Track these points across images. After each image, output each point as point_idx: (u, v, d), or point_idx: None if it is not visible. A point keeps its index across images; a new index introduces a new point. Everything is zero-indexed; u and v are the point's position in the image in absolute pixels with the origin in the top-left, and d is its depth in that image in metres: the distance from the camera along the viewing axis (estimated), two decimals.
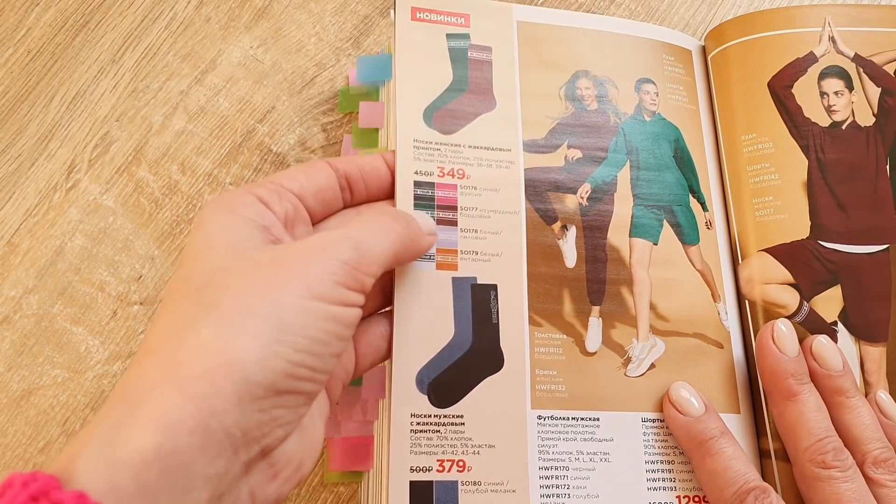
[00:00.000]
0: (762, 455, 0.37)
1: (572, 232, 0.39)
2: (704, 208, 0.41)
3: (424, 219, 0.35)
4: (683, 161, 0.41)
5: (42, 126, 0.45)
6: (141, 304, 0.41)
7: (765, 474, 0.36)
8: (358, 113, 0.43)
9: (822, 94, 0.42)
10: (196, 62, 0.46)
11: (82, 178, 0.44)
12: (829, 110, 0.41)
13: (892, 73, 0.42)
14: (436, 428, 0.34)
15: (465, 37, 0.41)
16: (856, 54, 0.43)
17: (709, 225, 0.40)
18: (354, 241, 0.29)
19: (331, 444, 0.37)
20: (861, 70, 0.42)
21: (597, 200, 0.39)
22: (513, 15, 0.42)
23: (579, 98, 0.41)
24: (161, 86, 0.46)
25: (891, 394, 0.37)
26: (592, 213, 0.39)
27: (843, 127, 0.41)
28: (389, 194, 0.36)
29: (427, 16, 0.41)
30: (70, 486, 0.22)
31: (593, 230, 0.39)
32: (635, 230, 0.39)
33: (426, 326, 0.35)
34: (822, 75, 0.42)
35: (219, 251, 0.28)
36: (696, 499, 0.35)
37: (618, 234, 0.39)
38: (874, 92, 0.42)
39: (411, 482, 0.34)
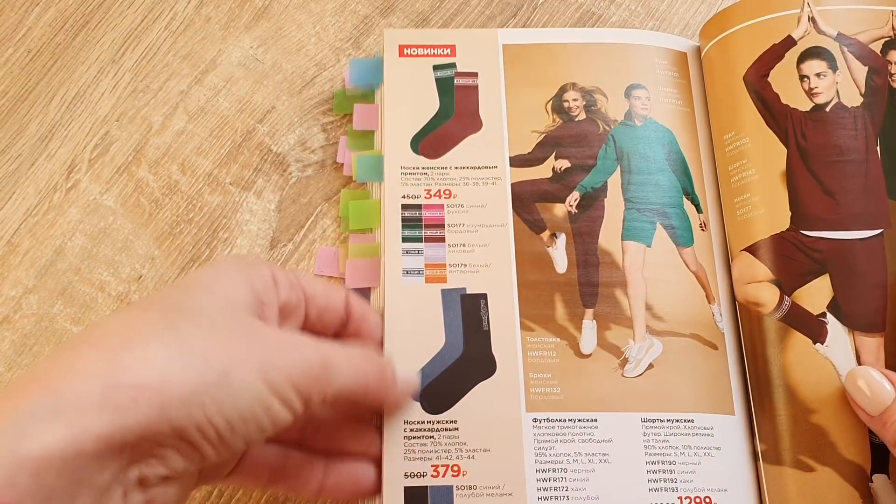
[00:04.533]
0: (755, 457, 0.37)
1: (562, 239, 0.39)
2: (699, 210, 0.41)
3: (406, 379, 0.35)
4: (677, 163, 0.41)
5: (42, 126, 0.45)
6: None
7: (756, 476, 0.37)
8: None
9: (802, 77, 0.40)
10: (196, 62, 0.46)
11: (82, 178, 0.44)
12: (810, 93, 0.40)
13: (878, 52, 0.41)
14: (429, 434, 0.35)
15: (452, 66, 0.43)
16: (839, 33, 0.41)
17: (703, 226, 0.41)
18: (325, 359, 0.29)
19: None
20: (845, 49, 0.41)
21: (587, 207, 0.40)
22: (498, 39, 0.44)
23: (566, 110, 0.42)
24: (161, 86, 0.46)
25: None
26: (582, 219, 0.40)
27: (828, 109, 0.40)
28: (375, 344, 0.37)
29: (414, 51, 0.43)
30: None
31: (584, 236, 0.40)
32: (627, 233, 0.40)
33: (416, 336, 0.37)
34: (802, 58, 0.41)
35: (211, 296, 0.29)
36: (698, 499, 0.36)
37: (609, 238, 0.40)
38: (860, 71, 0.40)
39: (406, 488, 0.34)
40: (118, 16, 0.47)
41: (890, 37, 0.41)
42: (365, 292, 0.40)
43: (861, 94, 0.40)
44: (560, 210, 0.40)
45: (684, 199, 0.41)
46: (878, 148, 0.39)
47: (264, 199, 0.44)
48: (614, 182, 0.41)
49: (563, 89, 0.43)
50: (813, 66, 0.40)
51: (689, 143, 0.42)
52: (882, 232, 0.38)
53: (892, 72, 0.40)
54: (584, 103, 0.42)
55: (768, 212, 0.39)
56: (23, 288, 0.42)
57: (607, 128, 0.42)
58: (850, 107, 0.40)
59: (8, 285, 0.42)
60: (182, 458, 0.26)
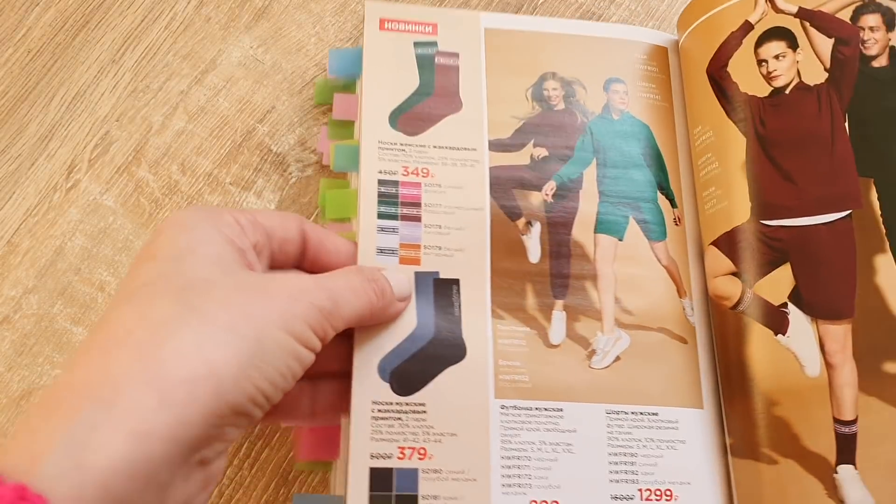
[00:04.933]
0: (724, 451, 0.38)
1: (536, 228, 0.40)
2: (673, 205, 0.41)
3: (400, 282, 0.36)
4: (653, 158, 0.42)
5: (42, 126, 0.45)
6: None
7: (725, 469, 0.37)
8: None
9: (761, 62, 0.39)
10: (196, 62, 0.46)
11: (82, 178, 0.44)
12: (768, 77, 0.39)
13: (847, 20, 0.39)
14: (397, 416, 0.35)
15: (433, 44, 0.43)
16: (800, 8, 0.39)
17: (677, 221, 0.41)
18: (331, 293, 0.30)
19: (298, 434, 0.38)
20: (807, 25, 0.39)
21: (562, 197, 0.41)
22: (480, 23, 0.44)
23: (546, 98, 0.42)
24: (161, 86, 0.46)
25: (860, 376, 0.35)
26: (557, 209, 0.40)
27: (788, 91, 0.38)
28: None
29: (395, 25, 0.43)
30: (31, 487, 0.22)
31: (558, 226, 0.40)
32: (600, 227, 0.40)
33: None
34: (759, 41, 0.39)
35: (203, 260, 0.29)
36: (658, 492, 0.36)
37: (582, 231, 0.40)
38: (825, 45, 0.38)
39: (371, 468, 0.35)
40: (118, 16, 0.48)
41: (861, 1, 0.39)
42: None
43: (826, 69, 0.38)
44: (536, 198, 0.41)
45: (659, 194, 0.41)
46: (847, 124, 0.37)
47: (264, 199, 0.44)
48: (590, 174, 0.41)
49: (543, 77, 0.43)
50: (771, 49, 0.39)
51: (667, 138, 0.43)
52: (850, 213, 0.36)
53: (865, 38, 0.38)
54: (564, 93, 0.43)
55: (730, 204, 0.39)
56: (23, 288, 0.42)
57: (585, 119, 0.42)
58: (812, 85, 0.38)
59: (8, 285, 0.42)
60: (237, 429, 0.27)
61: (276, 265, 0.34)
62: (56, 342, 0.41)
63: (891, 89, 0.38)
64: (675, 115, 0.43)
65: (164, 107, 0.46)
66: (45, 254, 0.43)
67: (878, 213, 0.36)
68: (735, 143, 0.39)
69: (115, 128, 0.45)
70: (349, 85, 0.45)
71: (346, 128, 0.44)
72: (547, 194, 0.41)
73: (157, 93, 0.46)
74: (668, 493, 0.36)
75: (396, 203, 0.39)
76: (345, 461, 0.36)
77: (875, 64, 0.38)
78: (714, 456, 0.37)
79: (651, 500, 0.36)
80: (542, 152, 0.41)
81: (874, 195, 0.36)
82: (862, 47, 0.38)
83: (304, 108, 0.46)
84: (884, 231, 0.36)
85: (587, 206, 0.41)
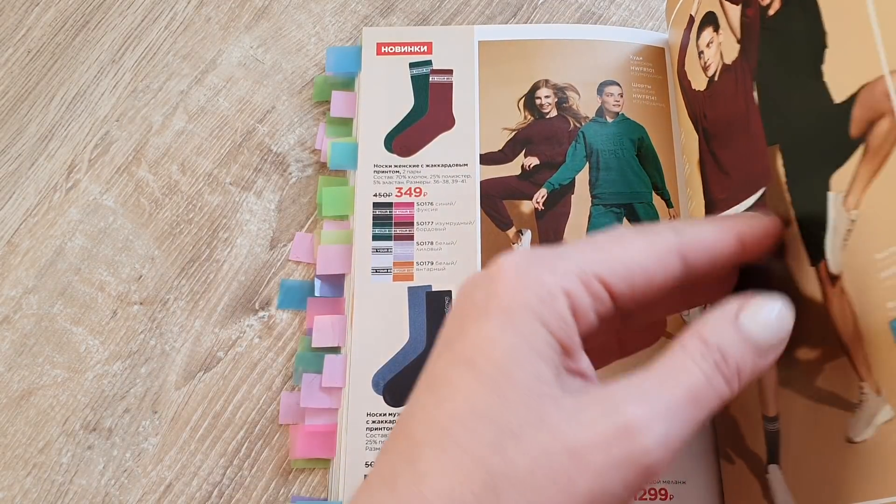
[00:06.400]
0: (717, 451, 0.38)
1: (527, 236, 0.41)
2: (669, 205, 0.42)
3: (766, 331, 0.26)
4: (648, 159, 0.42)
5: (42, 126, 0.45)
6: (141, 303, 0.41)
7: (717, 469, 0.37)
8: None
9: (700, 54, 0.38)
10: (196, 62, 0.46)
11: (82, 178, 0.44)
12: (704, 69, 0.38)
13: None
14: (390, 426, 0.37)
15: (427, 63, 0.44)
16: None
17: None
18: (666, 432, 0.22)
19: (293, 432, 0.38)
20: (722, 0, 0.35)
21: (553, 204, 0.41)
22: (474, 36, 0.45)
23: (538, 107, 0.43)
24: (161, 86, 0.46)
25: (777, 366, 0.30)
26: (548, 216, 0.41)
27: (716, 78, 0.37)
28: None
29: (392, 49, 0.44)
30: None
31: (549, 233, 0.41)
32: (592, 229, 0.41)
33: (382, 333, 0.39)
34: (697, 34, 0.39)
35: (518, 394, 0.22)
36: (653, 491, 0.36)
37: (574, 234, 0.41)
38: (735, 14, 0.34)
39: (366, 476, 0.36)
40: (118, 16, 0.48)
41: None
42: (338, 279, 0.41)
43: (738, 40, 0.34)
44: (527, 207, 0.41)
45: (654, 195, 0.42)
46: (756, 93, 0.32)
47: (264, 199, 0.44)
48: (582, 178, 0.42)
49: (535, 86, 0.44)
50: (704, 38, 0.38)
51: (663, 138, 0.43)
52: (764, 191, 0.32)
53: None
54: (556, 100, 0.43)
55: (695, 205, 0.39)
56: (23, 288, 0.42)
57: (578, 125, 0.43)
58: (731, 63, 0.35)
59: (8, 285, 0.42)
60: None
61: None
62: (56, 342, 0.41)
63: (785, 36, 0.31)
64: (672, 115, 0.44)
65: (164, 107, 0.46)
66: (45, 254, 0.43)
67: (784, 181, 0.30)
68: (693, 143, 0.39)
69: (115, 128, 0.45)
70: (347, 82, 0.46)
71: (344, 125, 0.45)
72: (538, 202, 0.41)
73: (157, 93, 0.46)
74: (662, 492, 0.36)
75: (390, 224, 0.41)
76: (338, 466, 0.37)
77: (771, 12, 0.31)
78: (708, 454, 0.37)
79: (646, 499, 0.36)
80: (533, 161, 0.42)
81: (780, 162, 0.30)
82: (759, 1, 0.32)
83: (303, 108, 0.46)
84: (789, 200, 0.29)
85: (579, 209, 0.41)
